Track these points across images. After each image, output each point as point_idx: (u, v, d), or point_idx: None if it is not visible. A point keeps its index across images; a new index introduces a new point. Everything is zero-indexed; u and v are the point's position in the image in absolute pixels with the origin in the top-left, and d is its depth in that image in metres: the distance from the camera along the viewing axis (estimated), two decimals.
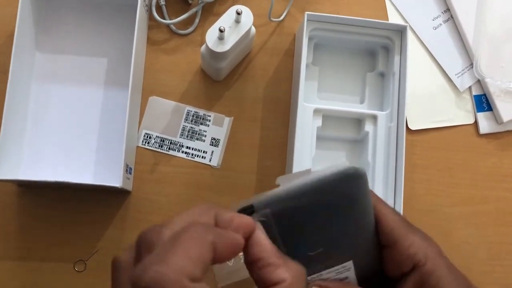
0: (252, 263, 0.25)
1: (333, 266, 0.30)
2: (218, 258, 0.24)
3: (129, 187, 0.50)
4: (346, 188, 0.28)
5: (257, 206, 0.27)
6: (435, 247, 0.31)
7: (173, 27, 0.55)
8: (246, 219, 0.26)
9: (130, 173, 0.51)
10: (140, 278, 0.22)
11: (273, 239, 0.27)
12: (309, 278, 0.30)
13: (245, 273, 0.52)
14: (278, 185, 0.28)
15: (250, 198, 0.28)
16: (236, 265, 0.50)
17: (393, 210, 0.32)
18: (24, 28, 0.50)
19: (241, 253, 0.52)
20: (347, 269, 0.31)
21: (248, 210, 0.27)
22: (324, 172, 0.27)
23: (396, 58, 0.52)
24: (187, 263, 0.22)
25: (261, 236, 0.26)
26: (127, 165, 0.48)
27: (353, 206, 0.29)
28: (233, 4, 0.54)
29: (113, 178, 0.47)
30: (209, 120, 0.54)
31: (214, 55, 0.48)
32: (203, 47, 0.49)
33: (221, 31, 0.46)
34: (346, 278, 0.31)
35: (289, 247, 0.28)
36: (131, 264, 0.24)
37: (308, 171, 0.28)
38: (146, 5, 0.52)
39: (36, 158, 0.51)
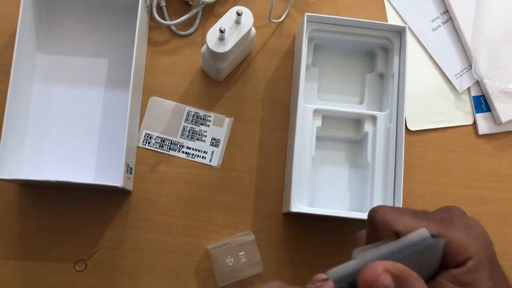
0: None
1: None
2: None
3: (129, 187, 0.50)
4: (424, 256, 0.27)
5: (336, 278, 0.27)
6: (480, 240, 0.29)
7: (173, 28, 0.55)
8: None
9: (131, 173, 0.51)
10: None
11: None
12: None
13: (245, 273, 0.52)
14: (354, 258, 0.27)
15: (332, 270, 0.27)
16: (236, 265, 0.50)
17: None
18: (26, 29, 0.50)
19: (241, 252, 0.52)
20: None
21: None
22: (405, 241, 0.27)
23: (395, 59, 0.52)
24: None
25: None
26: (127, 165, 0.49)
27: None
28: (233, 5, 0.54)
29: (114, 178, 0.47)
30: (209, 121, 0.54)
31: (215, 56, 0.48)
32: (204, 47, 0.49)
33: (221, 31, 0.46)
34: None
35: None
36: None
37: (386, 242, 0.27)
38: (147, 6, 0.53)
39: (38, 158, 0.51)
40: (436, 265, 0.28)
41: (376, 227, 0.29)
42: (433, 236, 0.27)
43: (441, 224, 0.28)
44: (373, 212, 0.30)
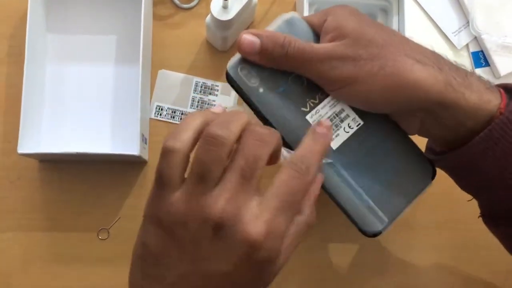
0: None
1: (325, 98, 0.37)
2: None
3: (145, 156, 0.52)
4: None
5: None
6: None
7: (177, 1, 0.56)
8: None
9: (146, 143, 0.53)
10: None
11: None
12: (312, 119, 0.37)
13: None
14: None
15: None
16: None
17: None
18: (36, 11, 0.52)
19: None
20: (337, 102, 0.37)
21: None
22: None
23: (395, 19, 0.54)
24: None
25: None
26: (142, 135, 0.51)
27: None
28: None
29: (131, 148, 0.49)
30: (217, 90, 0.56)
31: (219, 24, 0.50)
32: (208, 17, 0.51)
33: None
34: (342, 110, 0.37)
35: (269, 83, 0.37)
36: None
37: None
38: None
39: (56, 134, 0.53)
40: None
41: None
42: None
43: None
44: None
